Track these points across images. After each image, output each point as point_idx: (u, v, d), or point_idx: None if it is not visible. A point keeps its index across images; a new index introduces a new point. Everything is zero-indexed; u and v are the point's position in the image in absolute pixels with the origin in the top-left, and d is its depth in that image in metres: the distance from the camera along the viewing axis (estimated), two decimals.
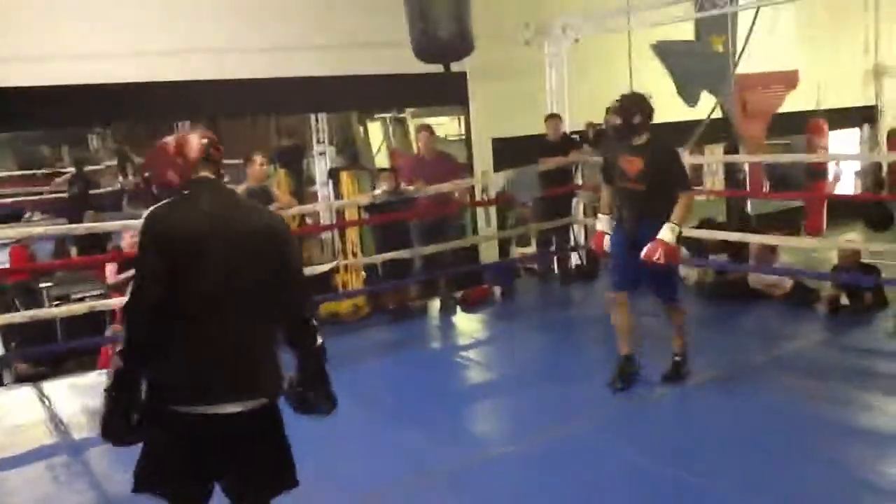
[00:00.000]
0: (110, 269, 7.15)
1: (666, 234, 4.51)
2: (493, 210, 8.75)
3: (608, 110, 4.79)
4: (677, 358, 4.99)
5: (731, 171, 10.30)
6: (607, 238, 4.95)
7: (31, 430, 4.98)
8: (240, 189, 6.28)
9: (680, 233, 4.59)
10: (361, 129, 13.70)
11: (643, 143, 4.67)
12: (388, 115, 13.57)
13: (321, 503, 3.63)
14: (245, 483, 2.57)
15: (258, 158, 6.17)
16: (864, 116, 12.59)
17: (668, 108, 9.16)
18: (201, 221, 2.44)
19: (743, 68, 8.98)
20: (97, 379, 5.89)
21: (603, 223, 5.00)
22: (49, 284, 8.73)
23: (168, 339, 2.40)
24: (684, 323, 5.00)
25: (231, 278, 2.43)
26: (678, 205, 4.57)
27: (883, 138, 12.36)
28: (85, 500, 3.97)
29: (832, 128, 10.90)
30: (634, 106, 4.65)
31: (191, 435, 2.44)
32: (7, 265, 8.69)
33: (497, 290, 7.48)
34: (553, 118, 7.87)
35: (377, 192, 6.92)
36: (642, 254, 4.55)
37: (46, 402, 5.47)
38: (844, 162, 11.93)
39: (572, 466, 3.94)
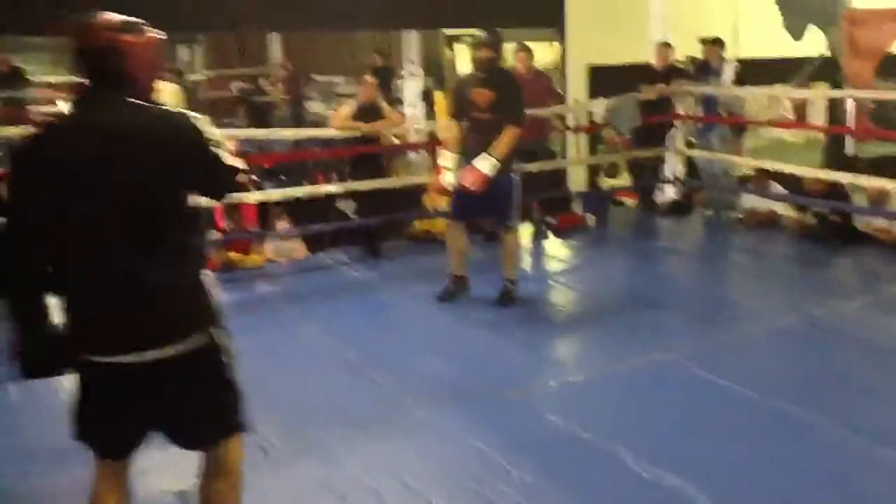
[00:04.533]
0: None
1: (481, 163, 4.84)
2: (584, 139, 8.65)
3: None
4: (509, 283, 5.24)
5: (834, 113, 9.89)
6: (447, 173, 5.15)
7: None
8: (350, 105, 6.38)
9: (496, 164, 4.85)
10: (448, 51, 13.62)
11: (492, 76, 4.99)
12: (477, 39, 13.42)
13: (417, 411, 3.75)
14: (174, 432, 2.27)
15: (368, 78, 6.50)
16: None
17: (774, 42, 8.86)
18: (66, 138, 2.07)
19: (854, 2, 8.55)
20: None
21: (446, 158, 5.16)
22: None
23: (62, 274, 2.12)
24: (517, 249, 5.35)
25: (108, 198, 2.04)
26: (503, 136, 4.86)
27: None
28: None
29: None
30: (498, 42, 5.03)
31: (100, 382, 2.17)
32: None
33: (591, 217, 7.43)
34: (664, 46, 7.68)
35: None
36: (459, 179, 4.97)
37: None
38: None
39: (668, 392, 3.95)
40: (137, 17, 2.20)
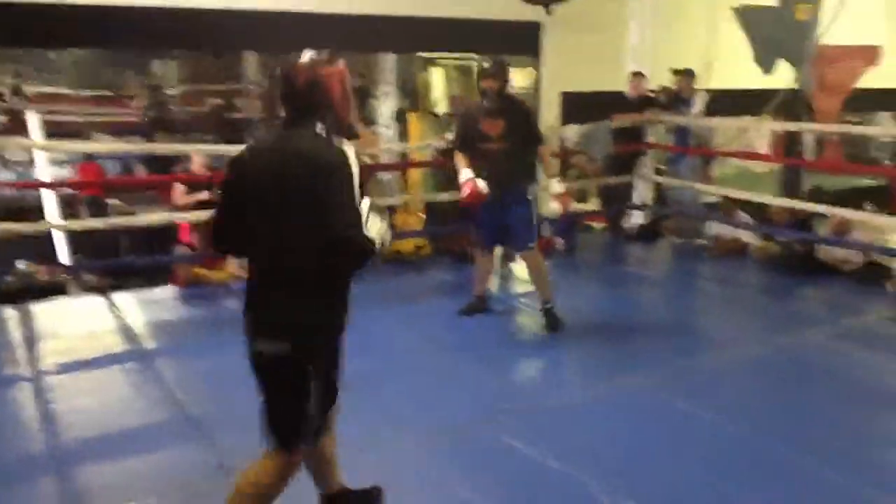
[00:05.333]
0: (179, 189, 7.24)
1: (559, 187, 5.20)
2: (554, 164, 8.71)
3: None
4: (547, 305, 5.23)
5: (790, 144, 10.00)
6: (479, 182, 4.92)
7: (103, 337, 5.13)
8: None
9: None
10: (424, 73, 13.68)
11: (501, 106, 4.98)
12: (451, 63, 13.50)
13: (386, 439, 3.71)
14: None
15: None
16: None
17: (745, 74, 9.01)
18: (252, 156, 2.50)
19: (823, 40, 8.71)
20: (164, 294, 6.05)
21: (466, 173, 4.99)
22: (116, 202, 8.88)
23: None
24: (543, 267, 5.27)
25: (271, 213, 2.42)
26: (546, 161, 5.29)
27: None
28: (156, 404, 4.11)
29: None
30: (504, 70, 5.02)
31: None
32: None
33: (560, 241, 7.47)
34: (638, 76, 7.79)
35: (450, 136, 6.91)
36: (559, 208, 5.32)
37: (117, 313, 5.62)
38: None
39: (636, 420, 3.95)
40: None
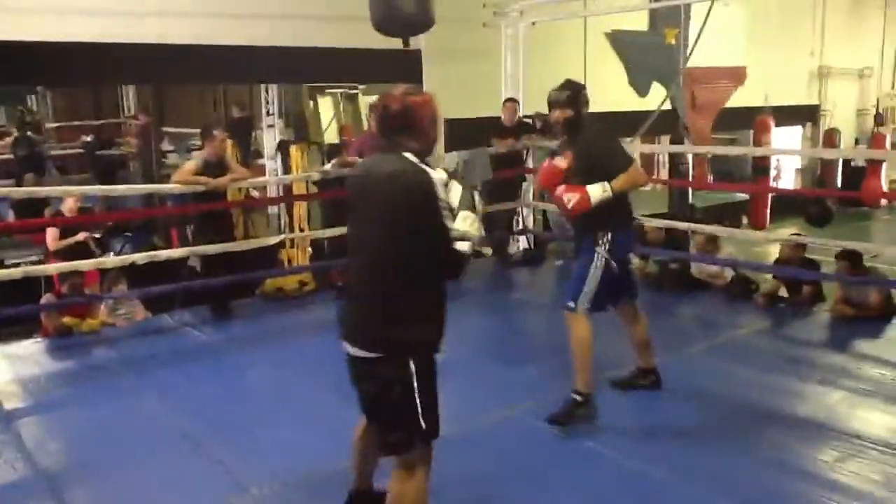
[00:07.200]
0: (52, 234, 6.94)
1: (594, 188, 3.99)
2: None
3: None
4: (575, 396, 4.19)
5: (675, 164, 10.46)
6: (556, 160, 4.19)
7: None
8: (196, 160, 6.21)
9: (607, 193, 4.00)
10: (311, 103, 13.58)
11: (572, 138, 4.16)
12: (339, 91, 13.46)
13: (253, 493, 3.60)
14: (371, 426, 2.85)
15: (219, 134, 6.24)
16: (807, 115, 12.94)
17: (620, 97, 9.31)
18: (358, 175, 2.82)
19: (692, 62, 9.11)
20: (30, 347, 5.74)
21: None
22: None
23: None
24: (581, 344, 4.21)
25: (362, 227, 2.69)
26: (623, 174, 4.04)
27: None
28: (15, 471, 3.86)
29: (777, 125, 11.13)
30: (577, 98, 4.13)
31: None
32: None
33: None
34: (511, 102, 7.93)
35: (328, 167, 6.87)
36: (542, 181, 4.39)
37: None
38: (786, 159, 12.23)
39: (518, 450, 3.97)
40: None
